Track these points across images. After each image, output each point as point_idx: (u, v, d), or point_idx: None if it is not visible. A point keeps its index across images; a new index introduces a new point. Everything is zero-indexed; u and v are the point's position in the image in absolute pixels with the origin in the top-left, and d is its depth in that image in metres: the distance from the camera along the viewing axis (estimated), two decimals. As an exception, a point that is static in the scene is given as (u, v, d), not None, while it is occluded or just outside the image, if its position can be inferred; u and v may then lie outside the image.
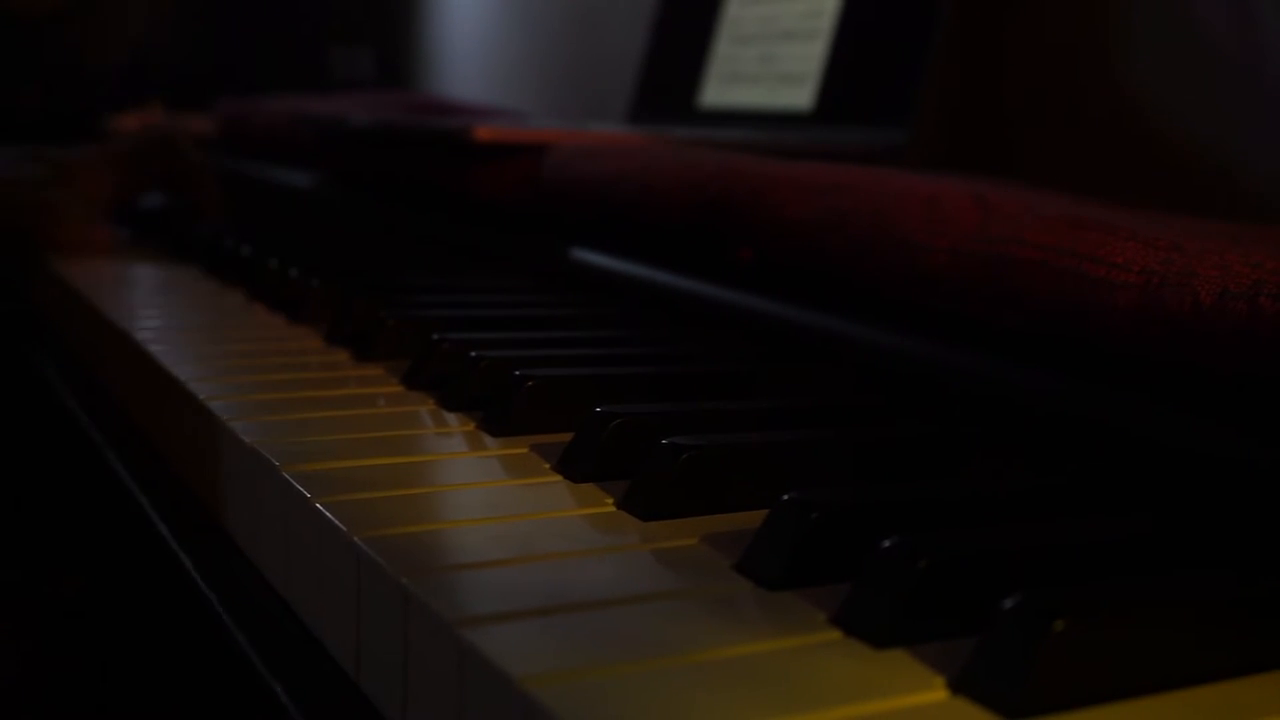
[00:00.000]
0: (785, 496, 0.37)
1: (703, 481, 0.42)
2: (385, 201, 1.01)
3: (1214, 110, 0.70)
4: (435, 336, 0.59)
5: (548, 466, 0.47)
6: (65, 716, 0.79)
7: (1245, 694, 0.31)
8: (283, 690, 0.42)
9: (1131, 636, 0.30)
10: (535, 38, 1.42)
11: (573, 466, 0.46)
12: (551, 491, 0.44)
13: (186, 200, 1.12)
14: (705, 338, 0.62)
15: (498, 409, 0.52)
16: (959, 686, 0.30)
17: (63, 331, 0.89)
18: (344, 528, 0.40)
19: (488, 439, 0.50)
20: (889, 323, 0.52)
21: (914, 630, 0.32)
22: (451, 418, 0.53)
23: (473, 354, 0.56)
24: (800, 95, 0.90)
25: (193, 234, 1.01)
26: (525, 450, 0.49)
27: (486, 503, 0.43)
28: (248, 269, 0.85)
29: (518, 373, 0.52)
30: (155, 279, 0.91)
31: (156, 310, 0.77)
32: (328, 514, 0.41)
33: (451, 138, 0.84)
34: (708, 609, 0.34)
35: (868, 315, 0.53)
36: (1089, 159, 0.77)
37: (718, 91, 0.99)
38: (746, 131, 0.90)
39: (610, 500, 0.43)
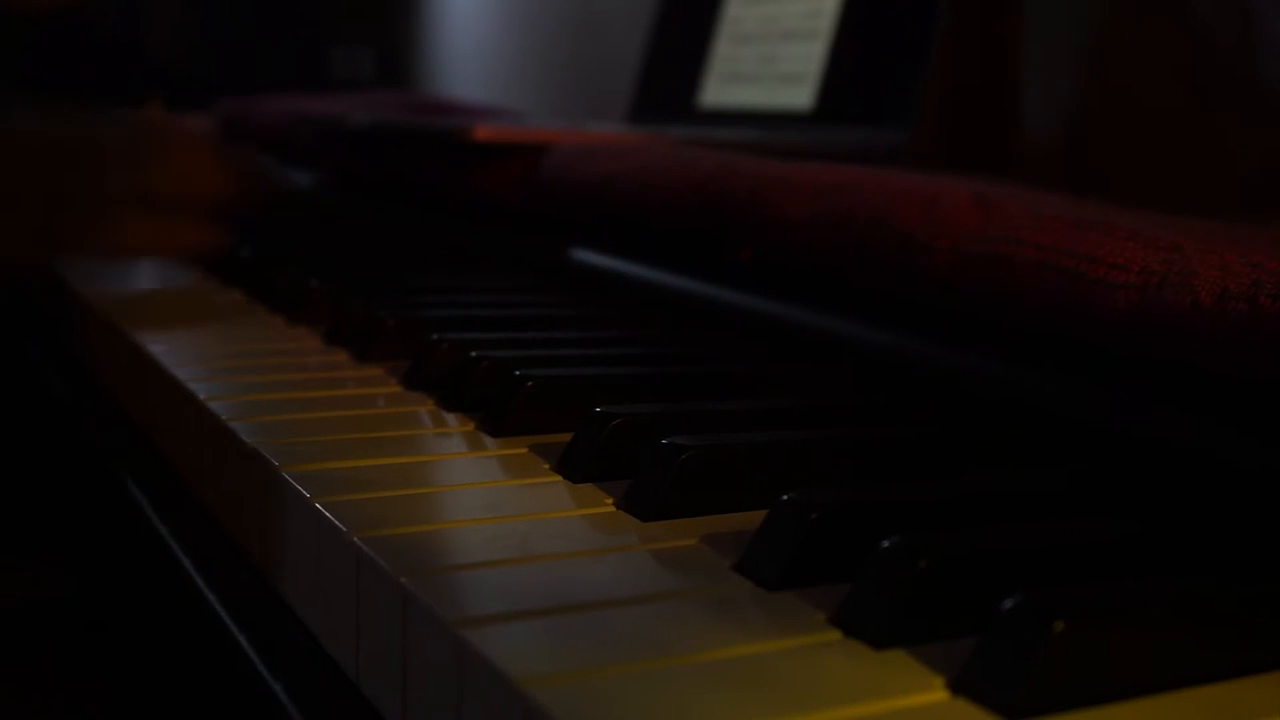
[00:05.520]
0: (785, 497, 0.37)
1: (702, 482, 0.42)
2: (385, 201, 1.01)
3: (1214, 110, 0.70)
4: (435, 337, 0.59)
5: (547, 467, 0.47)
6: (62, 716, 0.79)
7: (1245, 694, 0.31)
8: (282, 690, 0.42)
9: (1131, 637, 0.30)
10: (535, 38, 1.42)
11: (572, 467, 0.46)
12: (551, 492, 0.44)
13: None
14: (705, 338, 0.62)
15: (497, 409, 0.51)
16: (959, 687, 0.30)
17: (62, 331, 0.88)
18: (343, 527, 0.40)
19: (487, 439, 0.50)
20: (889, 323, 0.52)
21: (914, 631, 0.32)
22: (451, 418, 0.53)
23: (472, 354, 0.56)
24: (800, 95, 0.90)
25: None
26: (524, 450, 0.49)
27: (486, 503, 0.43)
28: (247, 269, 0.85)
29: (517, 373, 0.52)
30: (154, 279, 0.91)
31: (156, 310, 0.77)
32: (327, 514, 0.41)
33: (451, 138, 0.84)
34: (707, 609, 0.34)
35: (868, 315, 0.53)
36: (1088, 159, 0.77)
37: (717, 91, 0.99)
38: (746, 131, 0.90)
39: (610, 500, 0.43)
